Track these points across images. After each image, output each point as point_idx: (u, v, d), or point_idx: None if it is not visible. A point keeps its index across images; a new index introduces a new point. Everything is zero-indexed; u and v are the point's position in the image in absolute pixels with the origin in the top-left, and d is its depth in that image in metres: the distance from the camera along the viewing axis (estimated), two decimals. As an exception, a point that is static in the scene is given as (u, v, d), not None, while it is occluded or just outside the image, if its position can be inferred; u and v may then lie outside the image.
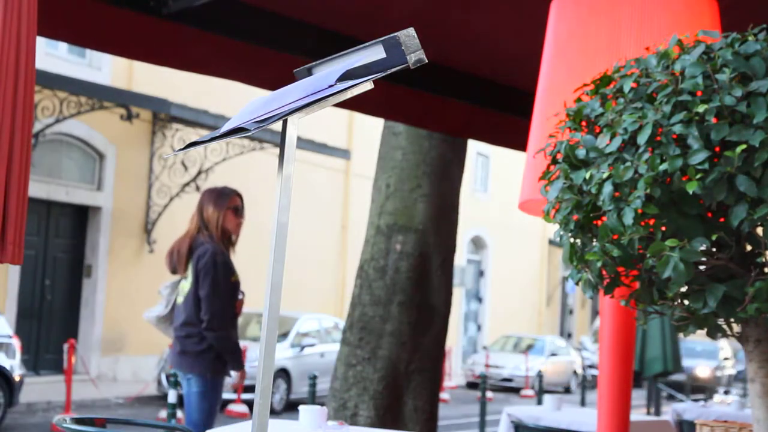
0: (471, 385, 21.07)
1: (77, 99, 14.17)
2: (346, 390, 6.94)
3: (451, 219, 7.41)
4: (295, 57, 4.69)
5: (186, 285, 5.09)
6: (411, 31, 1.95)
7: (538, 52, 3.55)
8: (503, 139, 6.81)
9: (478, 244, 26.13)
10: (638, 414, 8.57)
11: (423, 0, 4.75)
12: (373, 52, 2.00)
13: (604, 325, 3.27)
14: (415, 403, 7.00)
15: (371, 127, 15.31)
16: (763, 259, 2.20)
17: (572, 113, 2.43)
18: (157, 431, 6.20)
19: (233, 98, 15.04)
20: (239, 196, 5.21)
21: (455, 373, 22.77)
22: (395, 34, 1.94)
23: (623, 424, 3.23)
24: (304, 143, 16.84)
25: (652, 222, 2.15)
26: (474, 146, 21.86)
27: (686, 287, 2.22)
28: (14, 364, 10.48)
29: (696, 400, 14.45)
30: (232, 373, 5.15)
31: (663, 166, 2.10)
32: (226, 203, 5.12)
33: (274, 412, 13.00)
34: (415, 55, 1.94)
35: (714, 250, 2.22)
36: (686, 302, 2.25)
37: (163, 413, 11.26)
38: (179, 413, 9.56)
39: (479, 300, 26.42)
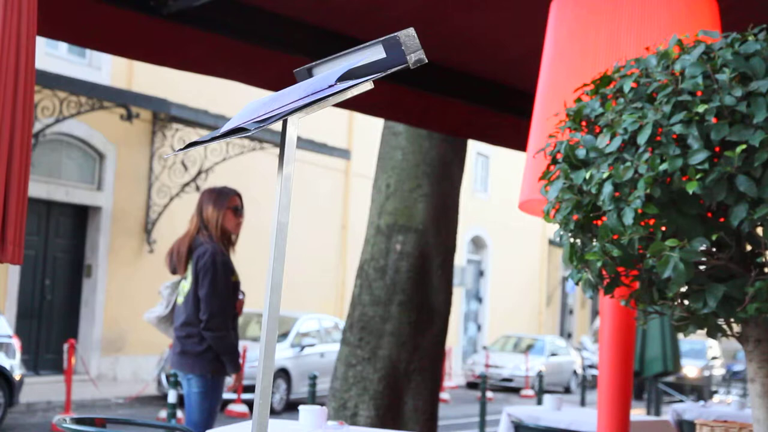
0: (471, 385, 21.07)
1: (77, 99, 14.17)
2: (346, 390, 6.94)
3: (451, 219, 7.41)
4: (295, 57, 4.69)
5: (186, 285, 5.09)
6: (411, 31, 1.95)
7: (538, 52, 3.55)
8: (503, 139, 6.81)
9: (478, 244, 26.14)
10: (638, 414, 8.58)
11: (423, 0, 4.75)
12: (373, 52, 2.00)
13: (604, 325, 3.27)
14: (415, 403, 7.00)
15: (371, 127, 15.32)
16: (763, 259, 2.20)
17: (572, 113, 2.43)
18: (157, 431, 6.21)
19: (233, 98, 15.03)
20: (239, 195, 5.21)
21: (455, 373, 22.77)
22: (395, 34, 1.94)
23: (623, 424, 3.24)
24: (304, 143, 16.84)
25: (652, 222, 2.15)
26: (474, 146, 21.87)
27: (686, 287, 2.22)
28: (14, 364, 10.48)
29: (681, 401, 14.37)
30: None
31: (663, 166, 2.10)
32: (226, 203, 5.12)
33: (274, 412, 13.00)
34: (415, 55, 1.94)
35: (714, 250, 2.22)
36: (686, 302, 2.25)
37: (163, 413, 11.26)
38: (179, 413, 9.56)
39: (479, 300, 26.42)
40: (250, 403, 12.79)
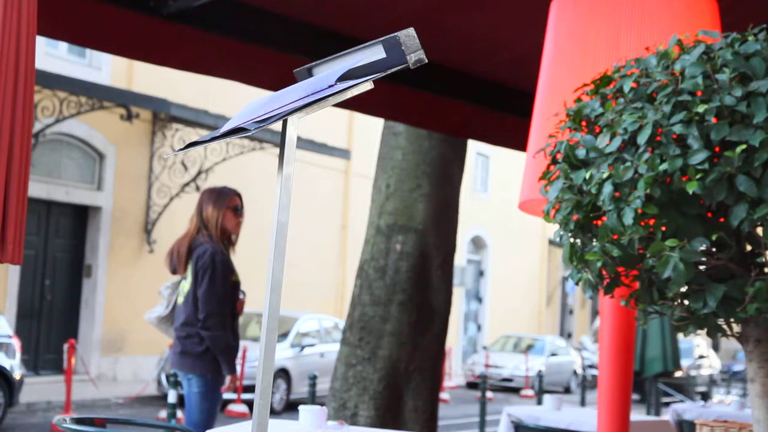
0: (471, 385, 21.07)
1: (77, 99, 14.17)
2: (346, 390, 6.94)
3: (451, 219, 7.41)
4: (295, 57, 4.69)
5: (186, 285, 5.09)
6: (411, 31, 1.95)
7: (538, 52, 3.55)
8: (503, 139, 6.81)
9: (478, 244, 26.13)
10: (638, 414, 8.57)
11: (423, 0, 4.75)
12: (373, 52, 2.00)
13: (604, 325, 3.27)
14: (415, 403, 7.00)
15: (371, 127, 15.31)
16: (763, 259, 2.20)
17: (572, 113, 2.43)
18: (157, 431, 6.21)
19: (233, 98, 15.04)
20: (238, 195, 5.21)
21: (455, 373, 22.77)
22: (395, 34, 1.94)
23: (623, 424, 3.24)
24: (304, 143, 16.84)
25: (652, 222, 2.15)
26: (474, 146, 21.87)
27: (686, 287, 2.22)
28: (14, 364, 10.48)
29: (667, 404, 14.24)
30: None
31: (663, 166, 2.10)
32: (226, 203, 5.12)
33: (274, 412, 13.00)
34: (415, 55, 1.94)
35: (714, 250, 2.22)
36: (686, 302, 2.25)
37: (163, 413, 11.26)
38: (179, 413, 9.56)
39: (479, 300, 26.42)
40: (250, 403, 12.79)
